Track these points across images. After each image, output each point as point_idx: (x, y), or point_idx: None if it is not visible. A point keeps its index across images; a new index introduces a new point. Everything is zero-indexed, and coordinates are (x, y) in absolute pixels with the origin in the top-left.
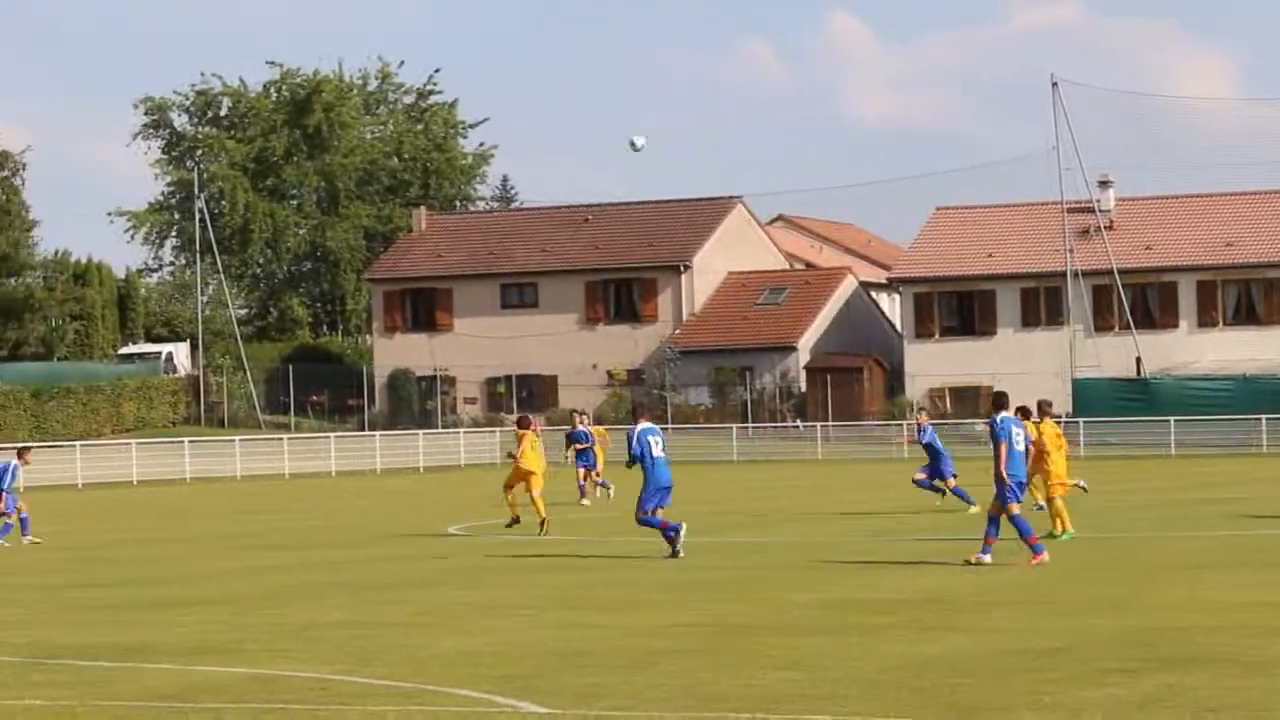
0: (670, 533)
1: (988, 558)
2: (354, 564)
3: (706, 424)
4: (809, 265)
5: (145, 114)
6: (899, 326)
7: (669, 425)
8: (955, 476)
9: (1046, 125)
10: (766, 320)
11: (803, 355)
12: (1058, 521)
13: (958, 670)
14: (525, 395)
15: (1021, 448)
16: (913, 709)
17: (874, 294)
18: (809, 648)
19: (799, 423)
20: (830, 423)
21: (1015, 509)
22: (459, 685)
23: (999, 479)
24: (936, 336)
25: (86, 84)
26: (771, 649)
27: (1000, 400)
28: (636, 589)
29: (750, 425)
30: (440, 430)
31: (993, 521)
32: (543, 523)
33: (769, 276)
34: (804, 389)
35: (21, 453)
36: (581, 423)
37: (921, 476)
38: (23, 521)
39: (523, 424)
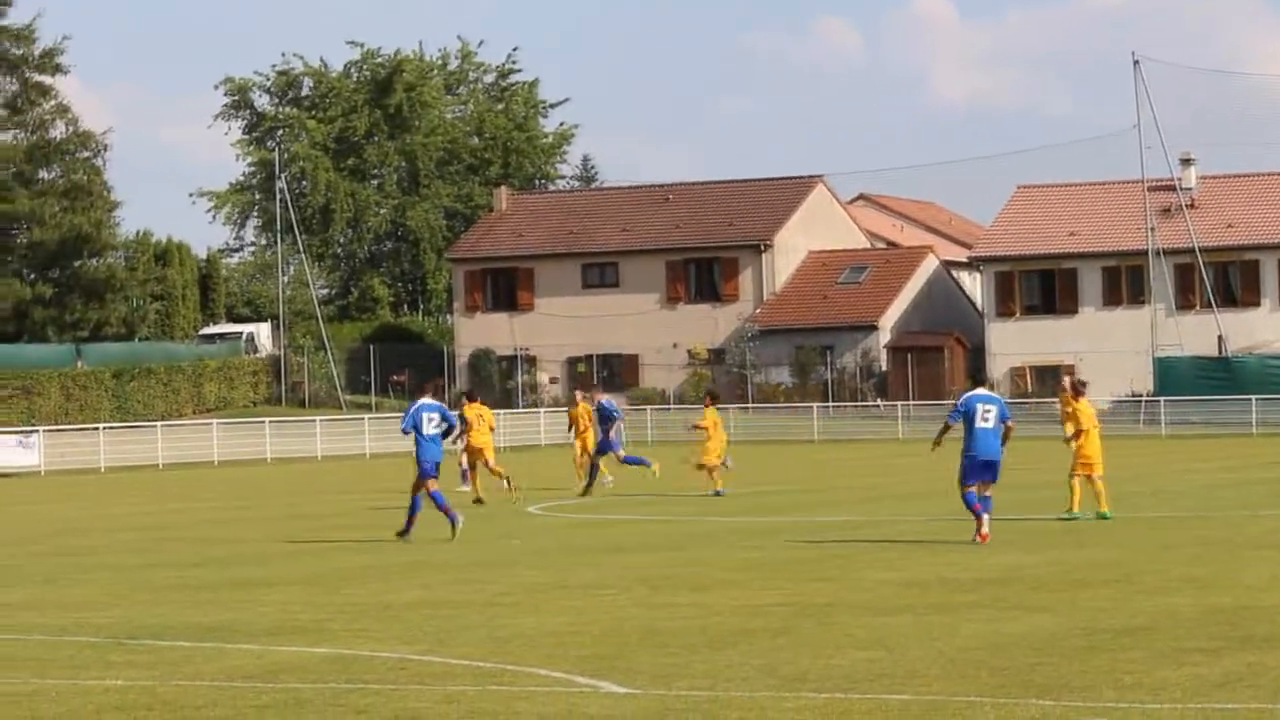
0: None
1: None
2: (434, 544)
3: (788, 403)
4: (890, 244)
5: (227, 95)
6: (980, 305)
7: (750, 405)
8: None
9: (1128, 103)
10: (848, 299)
11: (884, 334)
12: (1072, 500)
13: (1038, 650)
14: (607, 374)
15: (990, 424)
16: (992, 688)
17: (955, 273)
18: (889, 627)
19: (880, 402)
20: (912, 402)
21: (970, 488)
22: (539, 665)
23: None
24: (1018, 315)
25: (168, 65)
26: (852, 628)
27: (977, 378)
28: (716, 568)
29: (831, 405)
30: (521, 410)
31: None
32: (506, 480)
33: (850, 255)
34: (885, 368)
35: None
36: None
37: None
38: None
39: (470, 397)
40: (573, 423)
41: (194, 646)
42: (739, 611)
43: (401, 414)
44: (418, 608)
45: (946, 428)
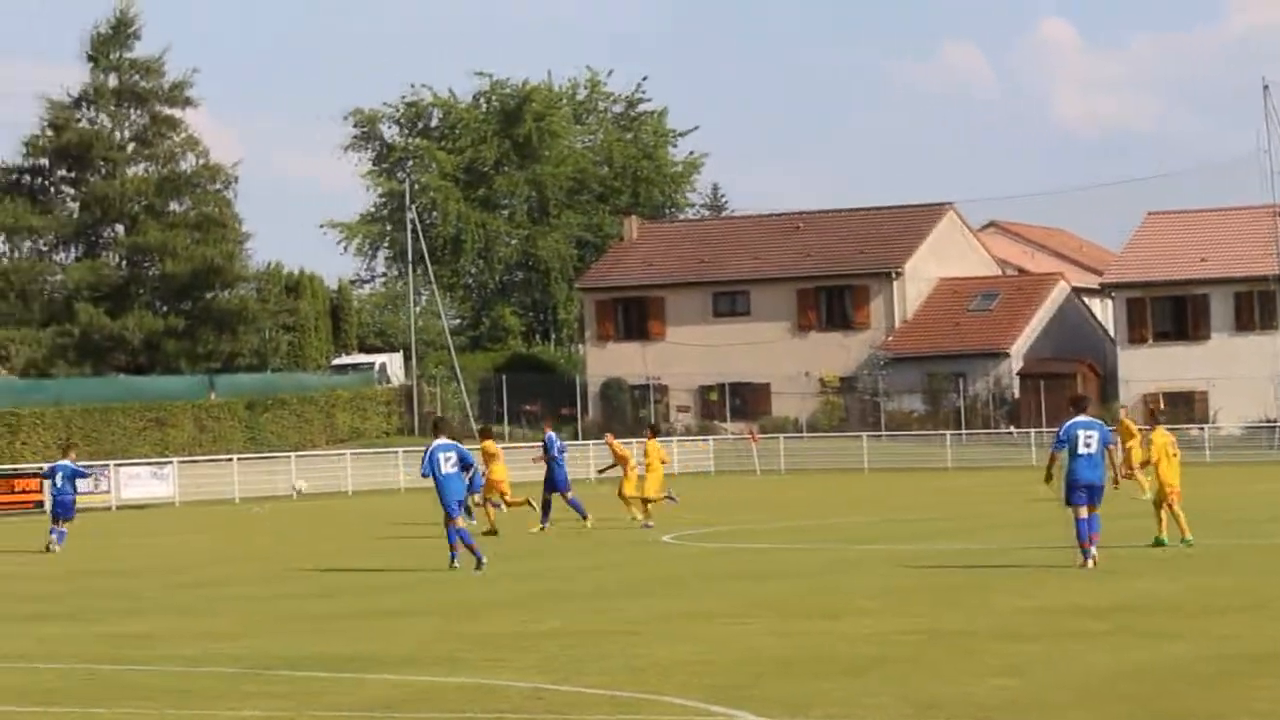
0: None
1: (1090, 563)
2: (569, 572)
3: (919, 431)
4: (1021, 271)
5: (355, 126)
6: (1111, 331)
7: (881, 432)
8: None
9: (1258, 128)
10: (978, 326)
11: (1015, 361)
12: (1160, 526)
13: (1170, 677)
14: (738, 403)
15: (1092, 450)
16: (1124, 715)
17: (1086, 299)
18: (1023, 654)
19: (1012, 429)
20: (1044, 428)
21: (1082, 512)
22: (674, 694)
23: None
24: (1149, 341)
25: (297, 97)
26: (986, 655)
27: (1079, 405)
28: (850, 595)
29: (963, 431)
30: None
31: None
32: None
33: (981, 282)
34: (1017, 395)
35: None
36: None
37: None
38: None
39: (485, 434)
40: (619, 460)
41: (330, 677)
42: (872, 639)
43: (529, 443)
44: (553, 637)
45: (1053, 459)
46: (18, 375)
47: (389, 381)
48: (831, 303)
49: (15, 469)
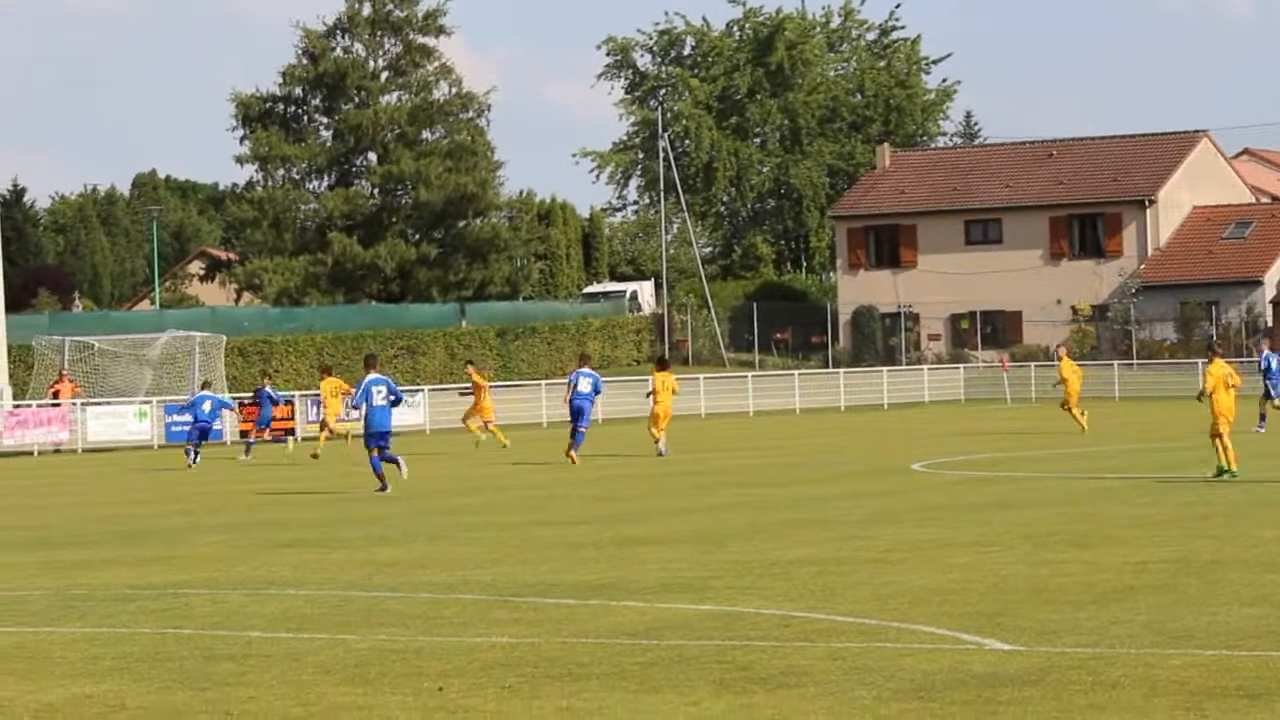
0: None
1: None
2: (819, 501)
3: (1171, 359)
4: (1275, 198)
5: (609, 54)
6: None
7: (1134, 361)
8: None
9: None
10: (1232, 254)
11: (1269, 289)
12: (1221, 455)
13: None
14: (989, 331)
15: None
16: None
17: None
18: (1274, 584)
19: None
20: None
21: None
22: (923, 622)
23: None
24: None
25: (551, 25)
26: (1237, 585)
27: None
28: (1103, 524)
29: None
30: (904, 367)
31: None
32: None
33: (1235, 210)
34: (1270, 322)
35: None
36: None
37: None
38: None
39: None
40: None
41: (578, 604)
42: (1125, 568)
43: (780, 372)
44: (802, 565)
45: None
46: (270, 304)
47: (640, 310)
48: (1084, 231)
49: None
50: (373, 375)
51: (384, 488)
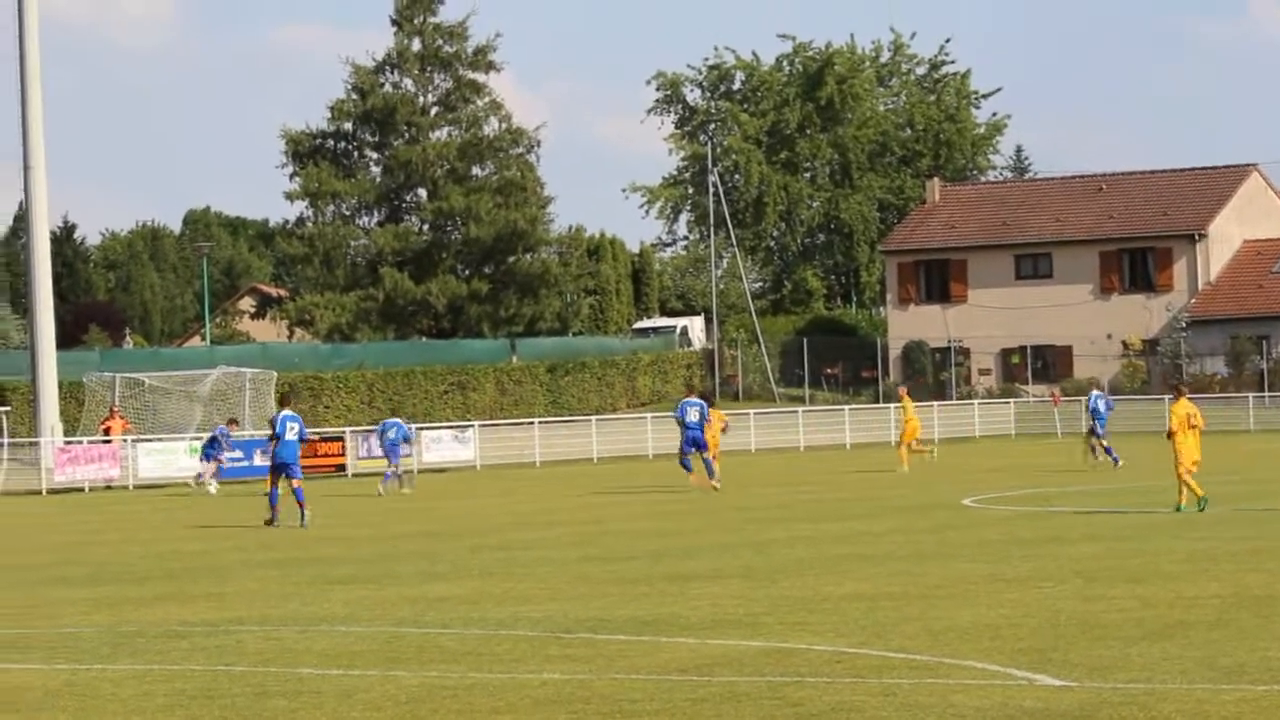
0: None
1: None
2: (870, 536)
3: (1222, 393)
4: None
5: (658, 90)
6: None
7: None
8: None
9: None
10: None
11: None
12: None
13: None
14: (1040, 366)
15: None
16: None
17: None
18: None
19: None
20: None
21: None
22: (975, 658)
23: None
24: None
25: (600, 61)
26: None
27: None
28: (1156, 559)
29: (1266, 394)
30: (955, 402)
31: None
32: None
33: None
34: None
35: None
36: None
37: None
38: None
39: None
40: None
41: (629, 640)
42: (1176, 604)
43: (830, 406)
44: (853, 600)
45: None
46: (321, 339)
47: (690, 345)
48: (1134, 265)
49: (319, 432)
50: (287, 411)
51: (273, 519)
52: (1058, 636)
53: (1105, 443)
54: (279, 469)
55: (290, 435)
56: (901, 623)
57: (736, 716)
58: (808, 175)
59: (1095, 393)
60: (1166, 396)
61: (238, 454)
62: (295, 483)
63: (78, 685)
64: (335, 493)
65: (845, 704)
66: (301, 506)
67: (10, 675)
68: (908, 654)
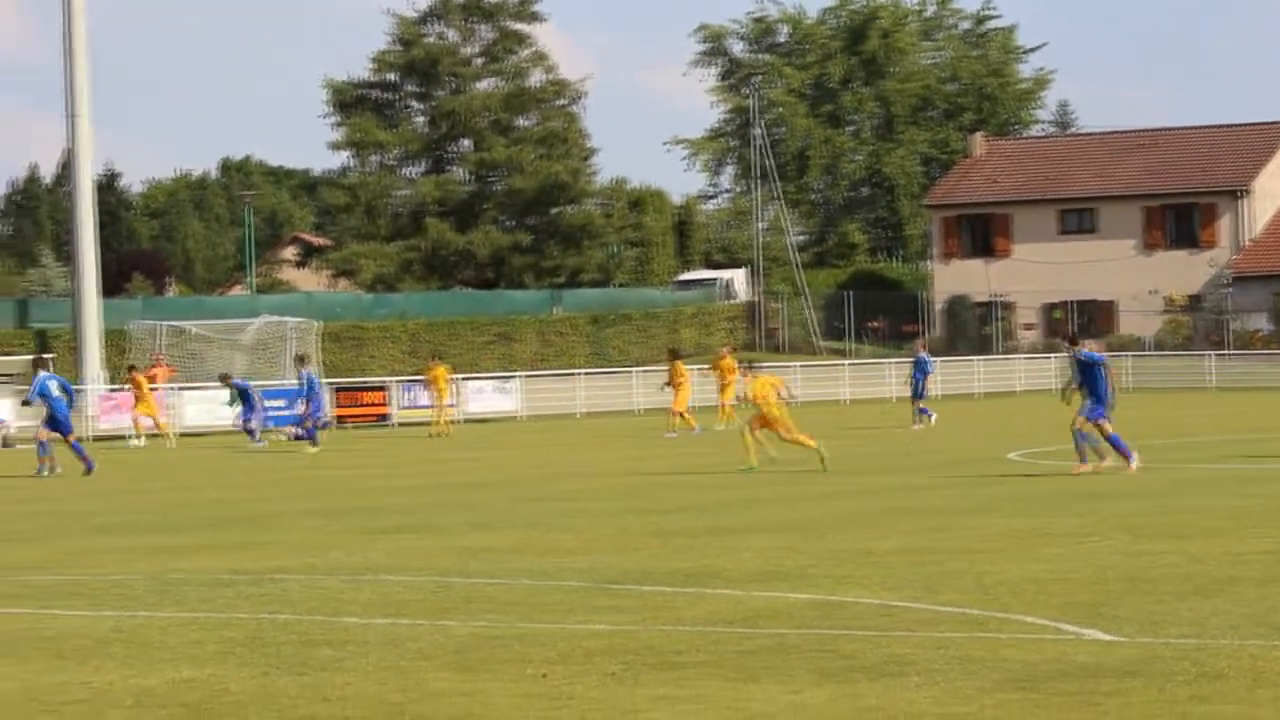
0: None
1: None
2: (915, 490)
3: (1265, 350)
4: None
5: (703, 42)
6: None
7: (1227, 351)
8: None
9: None
10: None
11: None
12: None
13: None
14: (1084, 321)
15: None
16: None
17: None
18: None
19: None
20: None
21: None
22: (1024, 612)
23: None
24: None
25: (644, 13)
26: None
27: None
28: (1203, 515)
29: None
30: (998, 356)
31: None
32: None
33: None
34: None
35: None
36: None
37: None
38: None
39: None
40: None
41: (675, 591)
42: (1226, 559)
43: (873, 360)
44: (900, 554)
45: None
46: (364, 289)
47: (733, 297)
48: (1179, 221)
49: (362, 382)
50: (45, 373)
51: (89, 468)
52: (1106, 591)
53: (920, 404)
54: (62, 426)
55: (57, 393)
56: (949, 576)
57: (787, 669)
58: (851, 129)
59: (922, 353)
60: (1208, 353)
61: (279, 402)
62: (71, 437)
63: (125, 632)
64: (379, 440)
65: (897, 657)
66: (84, 457)
67: (59, 621)
68: (957, 608)
